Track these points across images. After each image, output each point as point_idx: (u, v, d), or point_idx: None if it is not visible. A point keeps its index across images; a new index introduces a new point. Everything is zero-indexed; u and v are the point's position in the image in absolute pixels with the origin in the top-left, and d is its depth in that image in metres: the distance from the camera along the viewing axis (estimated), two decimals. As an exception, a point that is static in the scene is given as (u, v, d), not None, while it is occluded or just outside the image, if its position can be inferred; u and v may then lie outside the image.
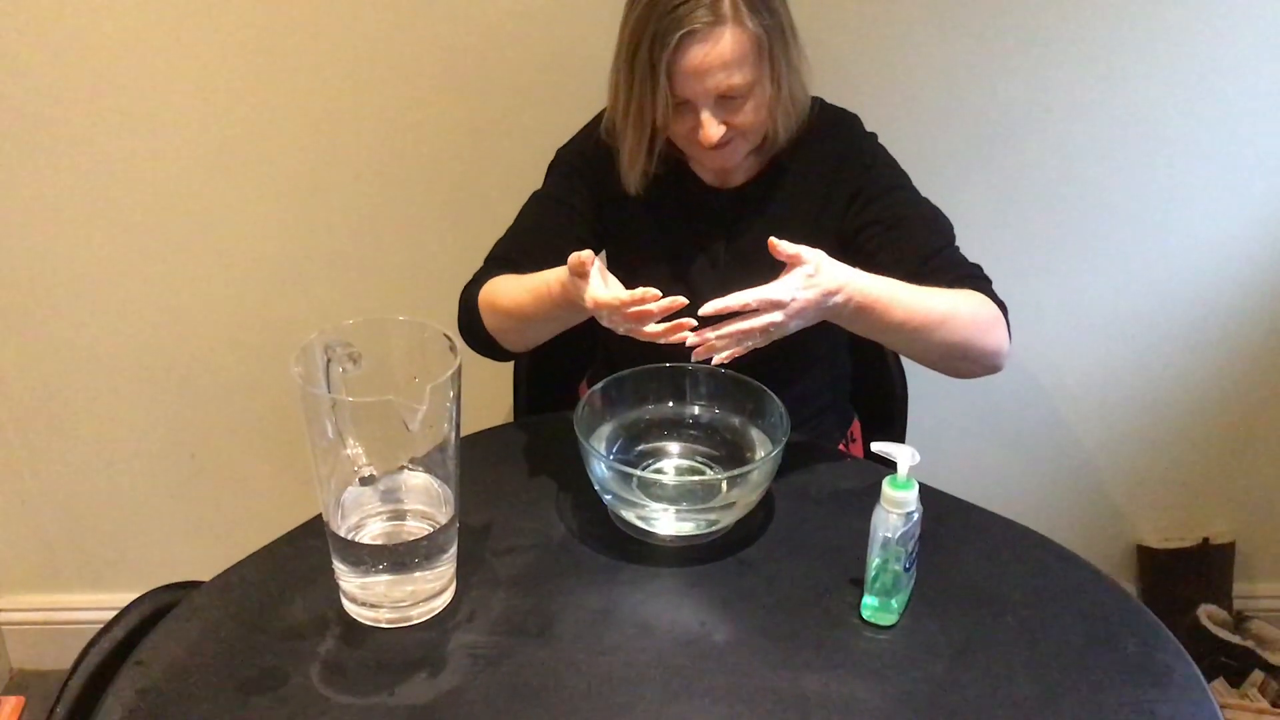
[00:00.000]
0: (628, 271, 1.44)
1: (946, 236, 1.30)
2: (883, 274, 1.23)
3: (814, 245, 1.34)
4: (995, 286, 1.28)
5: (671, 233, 1.38)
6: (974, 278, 1.26)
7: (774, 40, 1.21)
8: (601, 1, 1.56)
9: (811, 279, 1.10)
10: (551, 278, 1.20)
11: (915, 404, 1.62)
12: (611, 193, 1.35)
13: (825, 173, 1.33)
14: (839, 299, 1.12)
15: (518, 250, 1.36)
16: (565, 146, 1.41)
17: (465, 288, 1.35)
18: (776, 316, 1.09)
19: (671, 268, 1.39)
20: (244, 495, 1.99)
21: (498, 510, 1.19)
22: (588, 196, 1.38)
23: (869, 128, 1.37)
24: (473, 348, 1.34)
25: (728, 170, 1.34)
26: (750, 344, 1.12)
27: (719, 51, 1.16)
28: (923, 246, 1.27)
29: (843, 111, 1.37)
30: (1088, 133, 1.68)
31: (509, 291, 1.27)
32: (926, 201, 1.32)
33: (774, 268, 1.36)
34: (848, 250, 1.33)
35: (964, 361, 1.22)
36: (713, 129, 1.21)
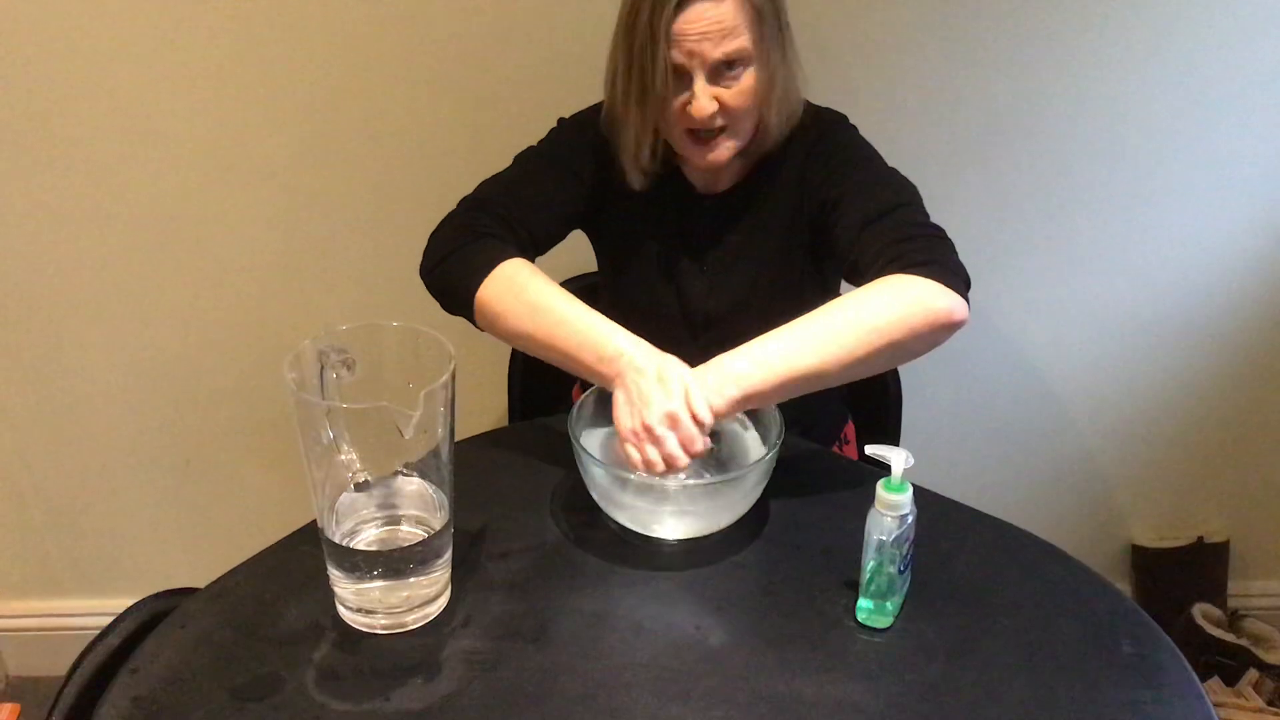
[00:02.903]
0: (618, 269, 1.44)
1: (892, 200, 1.24)
2: (834, 249, 1.25)
3: (791, 246, 1.35)
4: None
5: (662, 233, 1.39)
6: (910, 239, 1.18)
7: (767, 19, 1.21)
8: (595, 2, 1.57)
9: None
10: (610, 340, 1.17)
11: (909, 404, 1.62)
12: (613, 183, 1.34)
13: (796, 172, 1.33)
14: (726, 400, 1.11)
15: (509, 200, 1.31)
16: (573, 116, 1.39)
17: (446, 227, 1.29)
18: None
19: (661, 269, 1.39)
20: (239, 501, 1.99)
21: (492, 515, 1.19)
22: (592, 172, 1.36)
23: (863, 127, 1.36)
24: (433, 288, 1.28)
25: (716, 171, 1.34)
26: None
27: (718, 13, 1.16)
28: (863, 213, 1.23)
29: (827, 111, 1.36)
30: (1082, 132, 1.69)
31: (543, 302, 1.20)
32: (880, 170, 1.29)
33: (756, 272, 1.37)
34: (821, 240, 1.33)
35: (916, 347, 1.15)
36: (705, 101, 1.21)
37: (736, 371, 1.12)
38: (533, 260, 1.30)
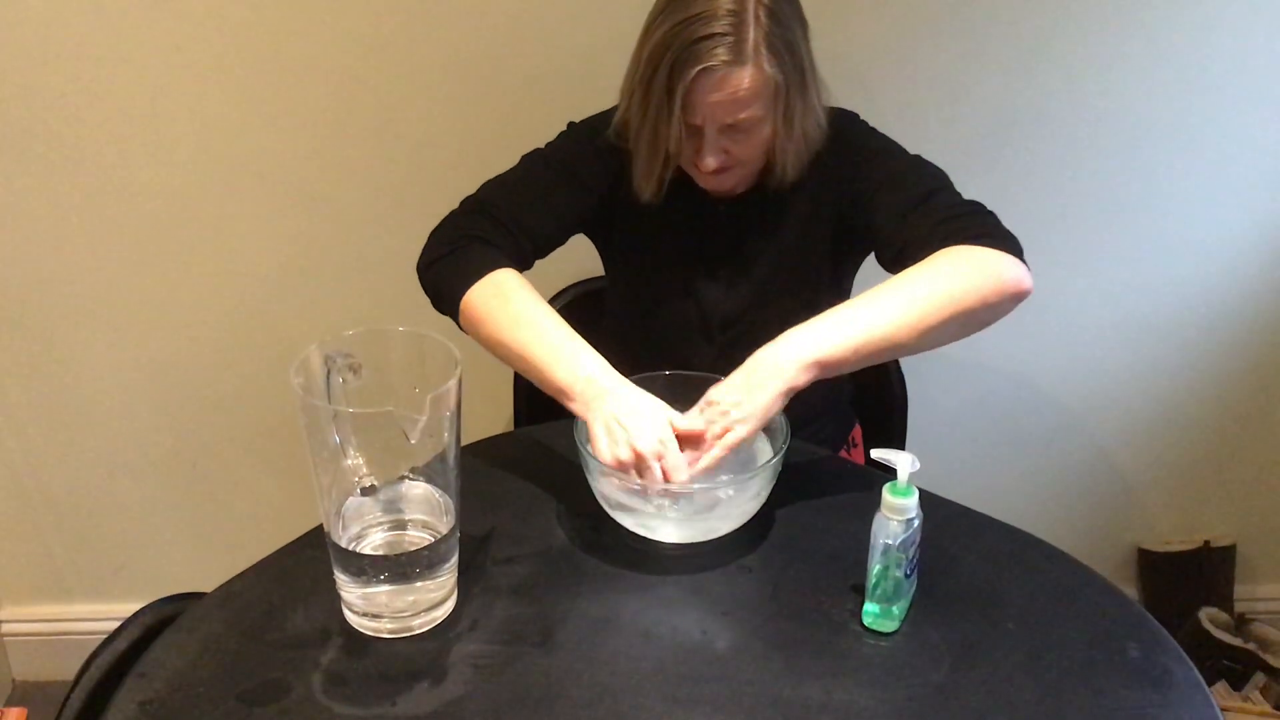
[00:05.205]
0: (631, 275, 1.44)
1: (929, 184, 1.25)
2: (874, 239, 1.25)
3: (808, 245, 1.35)
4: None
5: (678, 240, 1.38)
6: (959, 216, 1.20)
7: (791, 83, 1.20)
8: (602, 9, 1.57)
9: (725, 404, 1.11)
10: (580, 362, 1.16)
11: (915, 408, 1.62)
12: (624, 190, 1.34)
13: (814, 172, 1.32)
14: (789, 373, 1.11)
15: (510, 203, 1.31)
16: (584, 121, 1.38)
17: (445, 227, 1.30)
18: (741, 431, 1.10)
19: (677, 275, 1.39)
20: (245, 506, 1.99)
21: (498, 519, 1.19)
22: (601, 179, 1.35)
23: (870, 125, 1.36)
24: (426, 287, 1.30)
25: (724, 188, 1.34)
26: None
27: (735, 90, 1.17)
28: (902, 200, 1.24)
29: (840, 112, 1.36)
30: (1086, 135, 1.69)
31: (526, 314, 1.20)
32: (906, 158, 1.30)
33: (772, 273, 1.37)
34: (847, 236, 1.33)
35: (985, 316, 1.16)
36: (711, 157, 1.22)
37: (812, 340, 1.12)
38: (530, 265, 1.30)
